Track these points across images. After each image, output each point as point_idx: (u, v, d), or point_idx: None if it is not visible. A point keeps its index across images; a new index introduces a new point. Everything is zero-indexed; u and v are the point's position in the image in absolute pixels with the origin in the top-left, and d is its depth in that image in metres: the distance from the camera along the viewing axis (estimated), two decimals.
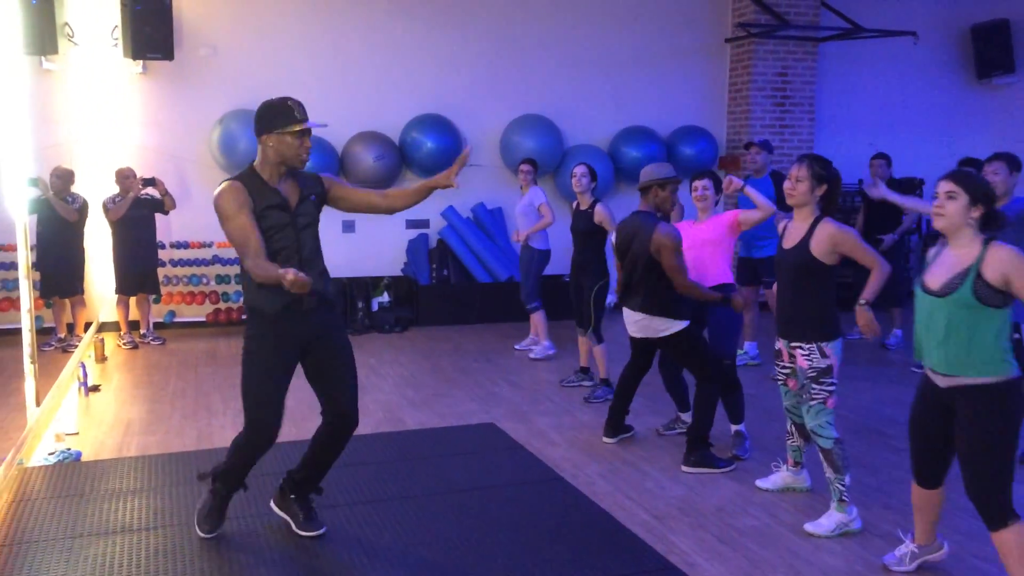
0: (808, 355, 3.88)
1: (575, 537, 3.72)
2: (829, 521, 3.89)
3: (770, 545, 3.78)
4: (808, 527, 3.91)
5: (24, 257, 4.71)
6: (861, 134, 10.27)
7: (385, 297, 8.86)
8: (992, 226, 3.05)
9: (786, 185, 3.95)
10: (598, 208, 6.13)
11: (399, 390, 6.40)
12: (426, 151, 8.73)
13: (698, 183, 5.09)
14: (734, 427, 4.99)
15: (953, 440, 3.13)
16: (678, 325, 4.71)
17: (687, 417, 5.24)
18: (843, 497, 3.89)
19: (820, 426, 3.91)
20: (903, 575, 3.49)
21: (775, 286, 4.24)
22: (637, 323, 4.83)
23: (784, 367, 4.06)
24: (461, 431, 5.25)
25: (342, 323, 3.72)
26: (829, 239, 3.81)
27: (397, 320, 8.71)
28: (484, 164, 9.25)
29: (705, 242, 4.95)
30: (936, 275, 3.12)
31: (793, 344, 3.95)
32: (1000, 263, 2.94)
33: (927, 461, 3.31)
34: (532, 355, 7.36)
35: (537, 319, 7.35)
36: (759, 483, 4.43)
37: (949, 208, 3.04)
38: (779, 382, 4.15)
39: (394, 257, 9.18)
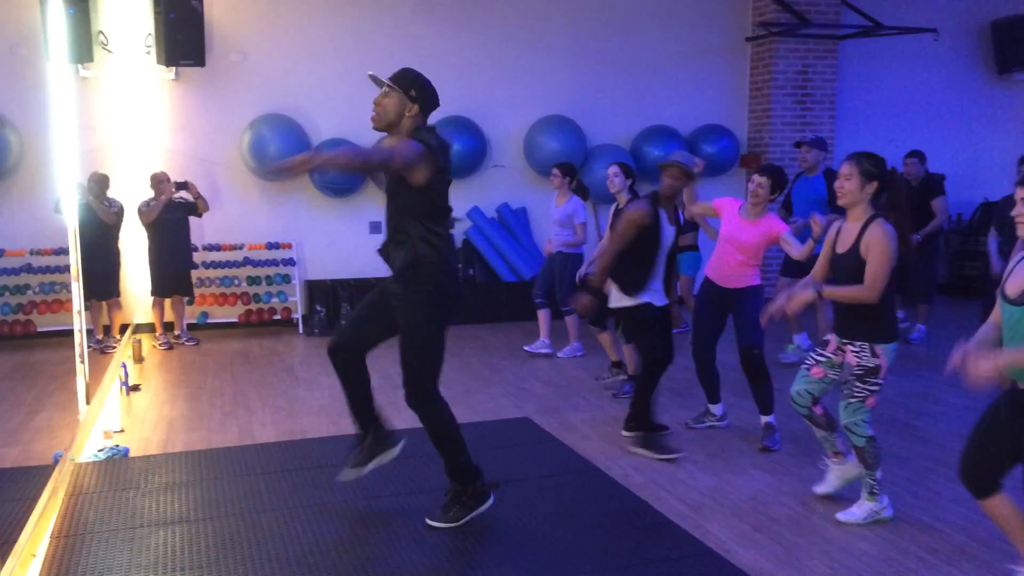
0: (859, 352, 3.86)
1: (614, 525, 3.84)
2: (861, 510, 3.97)
3: (804, 533, 3.87)
4: (840, 516, 3.98)
5: (75, 260, 4.87)
6: (882, 131, 10.32)
7: None
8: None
9: (836, 184, 3.89)
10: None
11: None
12: (452, 152, 8.82)
13: (754, 177, 5.10)
14: (764, 418, 5.09)
15: (1018, 457, 3.05)
16: (632, 301, 4.91)
17: (716, 409, 5.35)
18: (874, 490, 3.96)
19: (856, 423, 3.92)
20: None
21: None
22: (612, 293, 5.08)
23: (822, 355, 4.06)
24: (496, 425, 5.38)
25: (410, 301, 3.58)
26: (867, 242, 3.73)
27: None
28: (508, 165, 9.38)
29: (746, 245, 5.06)
30: (1015, 283, 3.01)
31: (845, 340, 3.95)
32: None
33: (980, 461, 3.17)
34: (560, 354, 7.47)
35: (570, 321, 7.43)
36: (817, 489, 4.29)
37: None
38: (804, 365, 4.14)
39: None
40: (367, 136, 8.71)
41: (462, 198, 8.84)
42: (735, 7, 9.99)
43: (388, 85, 3.56)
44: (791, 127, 9.79)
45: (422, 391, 3.65)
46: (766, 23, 9.61)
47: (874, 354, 3.83)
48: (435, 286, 3.57)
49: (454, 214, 4.08)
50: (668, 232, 4.98)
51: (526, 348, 7.56)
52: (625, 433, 5.02)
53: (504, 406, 5.98)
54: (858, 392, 3.90)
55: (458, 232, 9.32)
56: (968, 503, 4.10)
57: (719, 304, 5.16)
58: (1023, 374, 2.99)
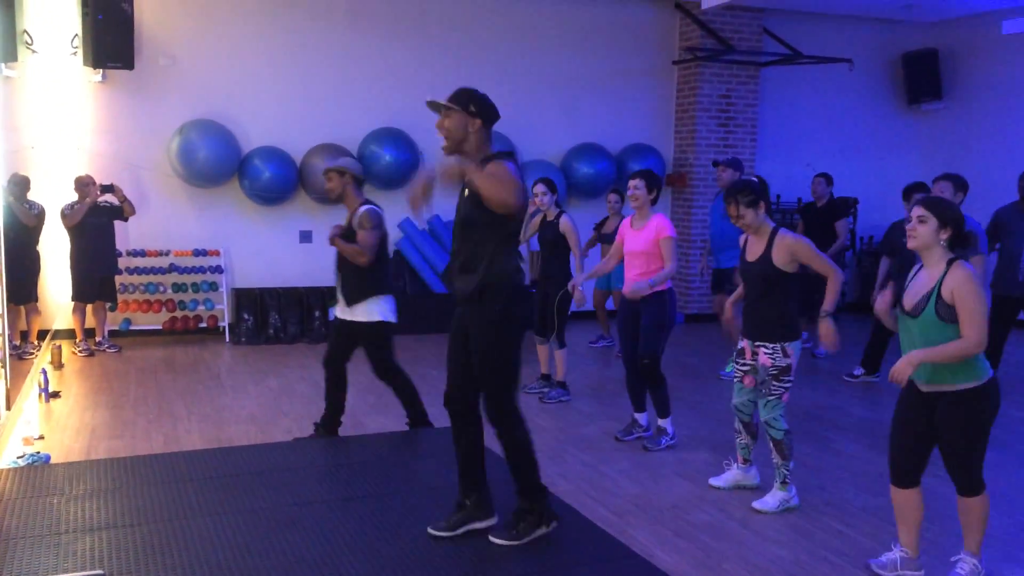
0: (772, 353, 4.27)
1: None
2: (774, 499, 4.36)
3: (722, 538, 4.05)
4: (756, 504, 4.36)
5: (0, 261, 4.78)
6: (800, 155, 10.77)
7: None
8: (962, 245, 3.38)
9: (732, 219, 4.37)
10: (563, 219, 6.36)
11: (360, 396, 6.54)
12: (384, 164, 8.91)
13: (630, 182, 5.32)
14: (659, 421, 5.35)
15: (932, 439, 3.46)
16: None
17: (642, 419, 5.51)
18: (786, 479, 4.35)
19: (774, 418, 4.31)
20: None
21: (731, 295, 4.61)
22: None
23: (744, 364, 4.43)
24: (423, 434, 5.43)
25: (482, 322, 3.61)
26: (788, 249, 4.22)
27: None
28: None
29: (637, 253, 5.26)
30: (910, 296, 3.43)
31: (758, 344, 4.33)
32: (953, 280, 3.27)
33: (907, 458, 3.53)
34: None
35: None
36: (712, 481, 4.72)
37: (920, 231, 3.37)
38: (735, 379, 4.51)
39: None
40: (296, 143, 8.74)
41: (394, 210, 8.87)
42: (663, 31, 10.31)
43: (446, 105, 3.63)
44: (715, 148, 10.13)
45: (500, 408, 3.67)
46: (692, 48, 9.94)
47: (785, 353, 4.26)
48: (504, 304, 3.60)
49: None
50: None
51: None
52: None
53: (433, 415, 6.02)
54: (775, 390, 4.30)
55: (390, 243, 9.34)
56: (876, 511, 4.37)
57: (632, 314, 5.32)
58: (923, 374, 3.40)
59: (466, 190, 3.62)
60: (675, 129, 10.48)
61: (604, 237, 8.07)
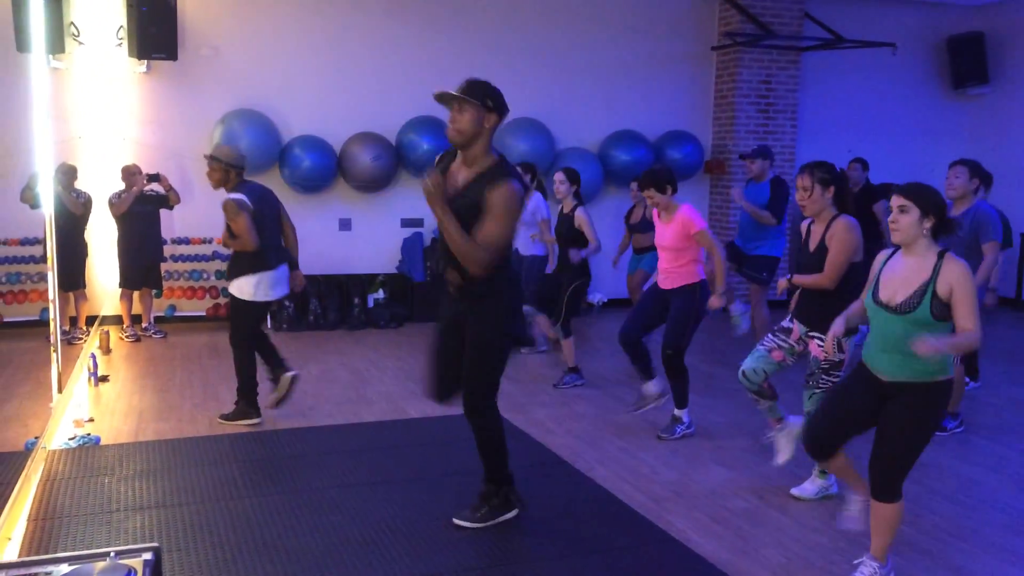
0: (824, 345, 4.08)
1: (581, 514, 4.00)
2: (813, 487, 4.33)
3: (760, 524, 4.06)
4: (794, 491, 4.34)
5: (52, 250, 4.91)
6: (840, 141, 10.63)
7: (380, 294, 9.09)
8: (945, 233, 3.20)
9: (797, 196, 4.21)
10: (578, 212, 6.38)
11: (399, 382, 6.63)
12: (423, 152, 8.96)
13: (643, 193, 5.25)
14: (676, 410, 5.30)
15: (867, 423, 3.35)
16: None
17: (652, 386, 5.46)
18: (825, 469, 4.24)
19: None
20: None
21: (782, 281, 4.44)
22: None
23: (785, 342, 4.28)
24: (463, 419, 5.48)
25: (487, 316, 3.60)
26: (834, 235, 4.06)
27: (392, 316, 8.95)
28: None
29: (666, 247, 5.21)
30: (892, 289, 3.22)
31: (812, 333, 4.16)
32: (950, 275, 3.09)
33: (832, 432, 3.46)
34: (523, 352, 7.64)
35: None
36: (777, 461, 4.59)
37: (902, 221, 3.17)
38: (764, 346, 4.36)
39: (389, 255, 9.41)
40: (335, 131, 8.83)
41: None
42: (702, 17, 10.22)
43: (463, 98, 3.43)
44: (754, 135, 10.05)
45: (482, 404, 3.68)
46: (731, 33, 9.85)
47: (840, 348, 4.03)
48: (507, 300, 3.61)
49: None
50: None
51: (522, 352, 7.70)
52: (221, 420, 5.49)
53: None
54: (823, 383, 4.18)
55: (427, 231, 9.43)
56: (916, 497, 4.34)
57: (659, 300, 5.28)
58: (888, 366, 3.25)
59: (458, 182, 3.53)
60: (714, 115, 10.40)
61: (632, 227, 8.06)
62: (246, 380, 5.49)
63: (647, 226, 7.90)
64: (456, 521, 3.81)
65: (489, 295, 3.57)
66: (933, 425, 3.24)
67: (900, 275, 3.22)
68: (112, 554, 1.77)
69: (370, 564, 3.45)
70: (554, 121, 9.62)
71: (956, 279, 3.09)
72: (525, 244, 7.41)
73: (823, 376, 4.19)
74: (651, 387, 5.50)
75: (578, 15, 9.74)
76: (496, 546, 3.65)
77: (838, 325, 3.53)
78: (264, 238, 5.25)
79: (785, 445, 4.58)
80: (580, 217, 6.36)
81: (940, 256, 3.14)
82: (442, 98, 3.48)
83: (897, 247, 3.31)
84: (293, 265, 5.54)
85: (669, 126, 10.08)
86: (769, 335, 4.27)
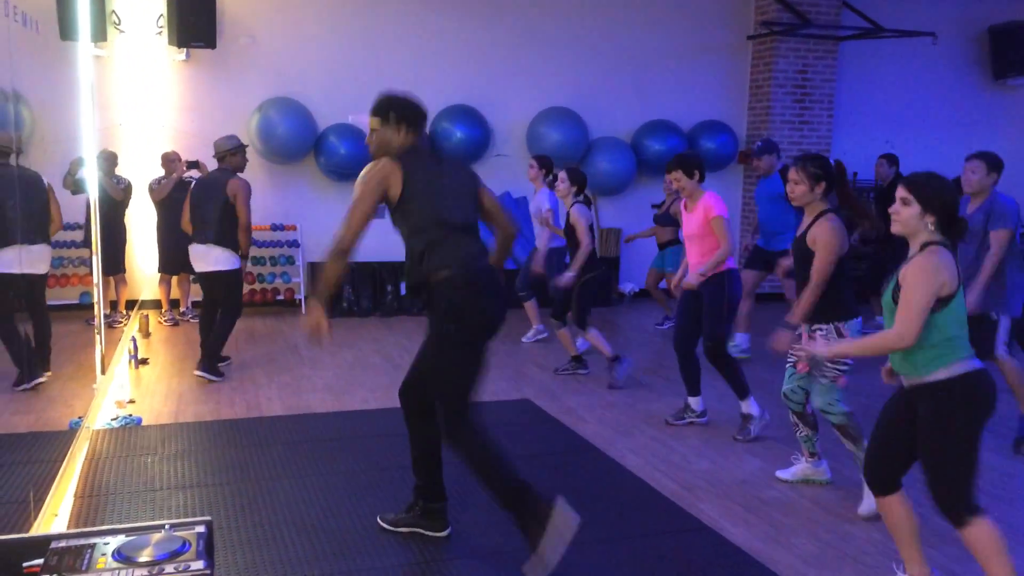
0: (826, 335, 4.06)
1: (613, 500, 4.03)
2: (797, 468, 4.39)
3: (792, 514, 4.06)
4: (779, 473, 4.43)
5: (96, 234, 5.02)
6: (878, 132, 10.51)
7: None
8: (952, 234, 3.02)
9: (787, 188, 4.18)
10: (572, 209, 6.32)
11: None
12: (455, 140, 9.01)
13: (670, 175, 5.19)
14: (742, 406, 5.16)
15: (912, 441, 3.10)
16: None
17: (696, 403, 5.37)
18: (856, 460, 4.11)
19: (829, 403, 4.10)
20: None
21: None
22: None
23: (800, 351, 4.21)
24: (498, 406, 5.55)
25: (430, 325, 3.40)
26: (814, 234, 4.03)
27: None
28: (510, 155, 9.53)
29: (692, 236, 5.20)
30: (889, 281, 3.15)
31: (813, 327, 4.12)
32: (909, 266, 2.97)
33: (881, 459, 3.24)
34: (524, 339, 7.72)
35: (530, 306, 7.74)
36: (779, 474, 4.51)
37: (903, 213, 3.03)
38: (788, 363, 4.30)
39: None
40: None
41: None
42: (738, 5, 10.15)
43: (372, 120, 3.45)
44: (790, 125, 9.97)
45: (446, 422, 3.30)
46: (768, 22, 9.77)
47: (839, 334, 4.02)
48: (450, 303, 3.29)
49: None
50: None
51: (523, 339, 7.73)
52: (197, 373, 6.16)
53: (504, 389, 6.15)
54: (828, 373, 4.09)
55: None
56: None
57: (693, 297, 5.21)
58: (895, 362, 3.11)
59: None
60: (749, 105, 10.33)
61: (657, 218, 8.04)
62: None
63: (668, 219, 7.88)
64: (380, 521, 3.66)
65: (431, 300, 3.35)
66: (960, 427, 2.97)
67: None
68: (167, 526, 1.83)
69: (407, 546, 3.51)
70: (587, 110, 9.61)
71: (909, 271, 2.95)
72: (543, 239, 7.44)
73: (826, 365, 4.09)
74: (696, 403, 5.41)
75: (613, 3, 9.72)
76: None
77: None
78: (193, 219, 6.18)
79: (798, 473, 4.46)
80: (573, 214, 6.28)
81: (921, 249, 2.99)
82: (354, 123, 3.54)
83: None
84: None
85: (703, 116, 10.03)
86: (827, 365, 4.11)
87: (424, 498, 3.59)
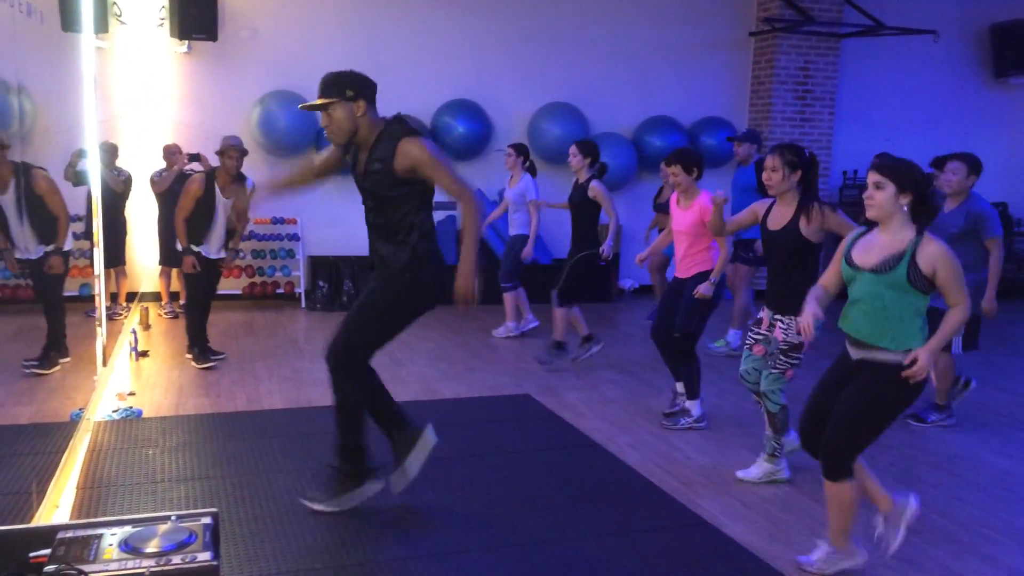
0: (786, 328, 4.18)
1: (614, 496, 4.05)
2: (758, 470, 4.41)
3: (792, 511, 4.08)
4: (740, 474, 4.43)
5: (98, 227, 5.02)
6: (879, 129, 10.52)
7: None
8: (926, 216, 3.13)
9: (763, 176, 4.23)
10: (593, 184, 6.36)
11: (432, 363, 6.70)
12: (457, 135, 9.01)
13: (670, 169, 5.24)
14: (687, 402, 5.25)
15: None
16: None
17: (694, 409, 5.33)
18: (775, 452, 4.36)
19: (772, 391, 4.28)
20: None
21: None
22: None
23: (758, 333, 4.35)
24: (498, 400, 5.57)
25: (385, 283, 3.62)
26: (822, 222, 4.07)
27: None
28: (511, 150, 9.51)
29: (683, 233, 5.21)
30: (868, 254, 3.20)
31: (776, 316, 4.24)
32: (932, 256, 3.07)
33: (815, 422, 3.37)
34: (496, 333, 7.73)
35: (509, 299, 7.70)
36: (738, 473, 4.47)
37: (878, 197, 3.13)
38: (746, 345, 4.44)
39: None
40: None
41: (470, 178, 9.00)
42: (740, 2, 10.14)
43: (323, 103, 3.47)
44: (791, 122, 9.97)
45: (350, 360, 3.57)
46: (770, 19, 9.77)
47: (798, 331, 4.01)
48: (419, 278, 3.57)
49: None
50: (221, 201, 6.24)
51: (495, 333, 7.76)
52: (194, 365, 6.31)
53: (503, 383, 6.16)
54: (780, 365, 4.24)
55: (459, 214, 9.44)
56: (949, 487, 4.34)
57: (677, 290, 5.26)
58: (861, 329, 3.22)
59: (369, 159, 3.52)
60: (750, 102, 10.33)
61: (659, 207, 8.06)
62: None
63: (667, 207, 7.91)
64: (305, 502, 3.72)
65: (402, 269, 3.55)
66: (884, 409, 3.20)
67: (876, 246, 3.19)
68: (173, 517, 1.84)
69: (400, 539, 3.53)
70: (589, 106, 9.61)
71: (939, 257, 3.07)
72: (512, 223, 7.47)
73: (780, 357, 4.23)
74: (680, 387, 5.47)
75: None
76: (528, 525, 3.70)
77: (813, 307, 3.34)
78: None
79: (758, 473, 4.46)
80: (595, 189, 6.33)
81: (919, 232, 3.10)
82: (307, 109, 3.59)
83: (869, 226, 3.27)
84: None
85: (704, 112, 10.04)
86: (781, 357, 4.24)
87: (360, 461, 3.72)
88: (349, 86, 3.48)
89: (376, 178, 3.51)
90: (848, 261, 3.28)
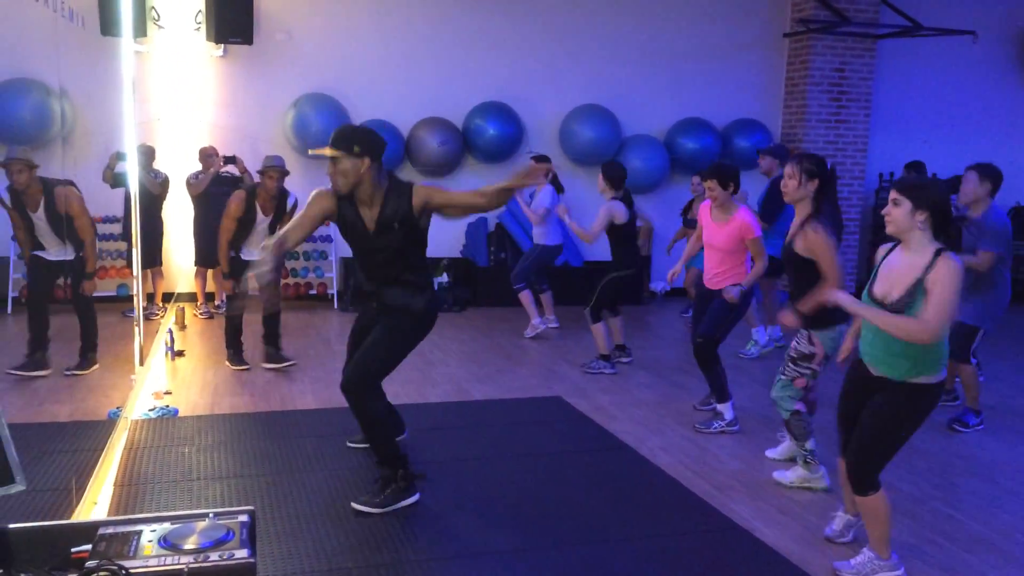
0: (799, 339, 4.20)
1: (644, 498, 4.03)
2: (793, 474, 4.36)
3: (826, 516, 4.01)
4: (776, 475, 4.41)
5: (135, 228, 5.10)
6: (916, 131, 10.39)
7: (444, 278, 9.19)
8: (946, 233, 3.14)
9: (781, 184, 4.22)
10: (604, 206, 6.42)
11: (463, 365, 6.72)
12: (488, 137, 9.03)
13: (705, 182, 5.21)
14: (718, 405, 5.28)
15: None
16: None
17: (727, 412, 5.31)
18: (807, 459, 4.31)
19: (782, 399, 4.27)
20: (844, 545, 3.68)
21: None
22: None
23: (807, 368, 4.25)
24: (529, 403, 5.57)
25: (396, 323, 3.83)
26: (805, 241, 4.03)
27: (456, 300, 9.04)
28: (543, 152, 9.52)
29: (718, 247, 5.18)
30: (888, 286, 3.21)
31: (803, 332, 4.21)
32: (937, 271, 3.05)
33: (842, 430, 3.50)
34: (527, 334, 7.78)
35: (523, 299, 7.73)
36: (768, 453, 4.72)
37: (895, 213, 3.17)
38: (787, 377, 4.32)
39: (453, 239, 9.51)
40: (403, 116, 8.95)
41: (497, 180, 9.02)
42: (774, 3, 10.06)
43: (331, 152, 3.61)
44: (825, 124, 9.87)
45: (367, 387, 3.75)
46: (804, 19, 9.68)
47: (810, 341, 4.14)
48: (425, 310, 3.83)
49: None
50: (261, 220, 6.28)
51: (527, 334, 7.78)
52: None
53: (534, 385, 6.16)
54: (789, 372, 4.23)
55: (491, 216, 9.48)
56: (990, 495, 4.28)
57: (706, 300, 5.25)
58: (885, 367, 3.25)
59: (383, 217, 3.70)
60: (784, 104, 10.25)
61: (689, 223, 8.01)
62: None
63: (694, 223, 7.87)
64: (356, 506, 3.78)
65: (411, 305, 3.81)
66: (907, 423, 3.27)
67: (896, 271, 3.21)
68: (211, 515, 1.87)
69: (431, 539, 3.54)
70: (620, 108, 9.59)
71: (941, 275, 3.05)
72: (539, 233, 7.49)
73: (790, 364, 4.22)
74: (722, 407, 5.45)
75: (646, 1, 9.68)
76: (559, 527, 3.70)
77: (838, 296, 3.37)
78: None
79: (783, 452, 4.64)
80: (600, 211, 6.38)
81: (936, 254, 3.11)
82: (317, 155, 3.72)
83: (897, 241, 3.28)
84: None
85: (738, 114, 9.97)
86: (790, 365, 4.22)
87: (401, 467, 3.83)
88: (357, 143, 3.61)
89: (400, 233, 3.70)
90: (870, 291, 3.30)
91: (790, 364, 4.24)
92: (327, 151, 3.60)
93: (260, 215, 6.25)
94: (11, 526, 1.87)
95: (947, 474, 4.61)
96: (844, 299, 3.22)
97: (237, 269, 6.30)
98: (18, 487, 1.85)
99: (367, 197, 3.68)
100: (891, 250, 3.30)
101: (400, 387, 6.02)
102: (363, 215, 3.72)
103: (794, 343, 4.23)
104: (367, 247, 3.78)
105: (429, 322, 3.89)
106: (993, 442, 5.17)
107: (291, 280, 9.00)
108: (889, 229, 3.23)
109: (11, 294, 8.10)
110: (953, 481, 4.52)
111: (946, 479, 4.54)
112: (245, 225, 6.27)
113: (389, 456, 3.82)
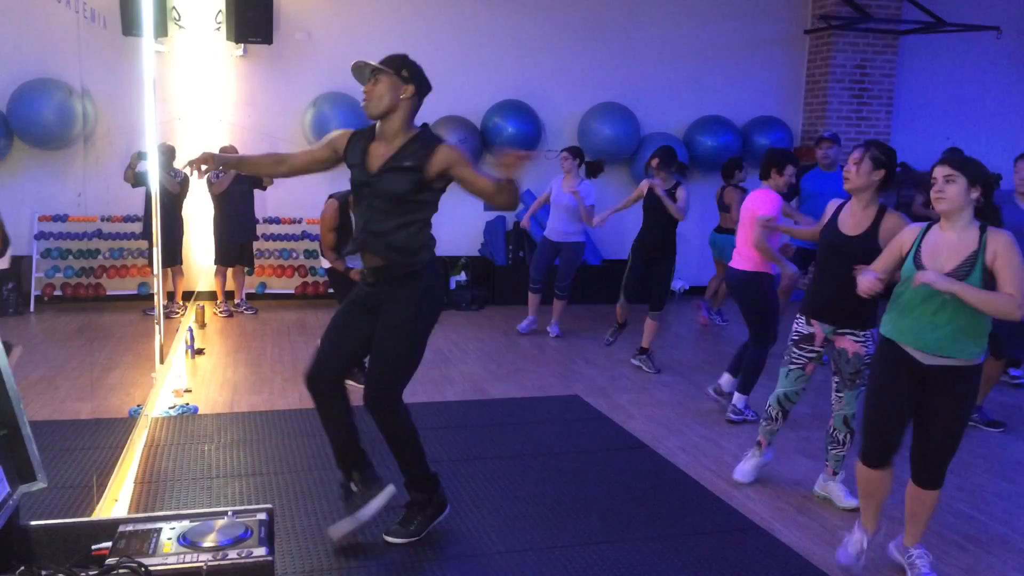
0: (864, 342, 3.90)
1: (663, 498, 4.01)
2: (834, 490, 4.20)
3: (846, 517, 4.00)
4: (816, 488, 4.29)
5: (156, 227, 5.13)
6: (938, 128, 10.28)
7: (463, 276, 9.20)
8: (987, 214, 3.10)
9: (844, 170, 3.88)
10: (678, 191, 6.41)
11: (481, 363, 6.72)
12: (507, 136, 9.02)
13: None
14: (736, 395, 5.36)
15: (910, 411, 3.26)
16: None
17: (725, 383, 5.61)
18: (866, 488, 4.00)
19: (854, 414, 4.03)
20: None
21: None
22: None
23: (812, 351, 4.06)
24: (548, 401, 5.56)
25: (407, 299, 3.34)
26: (893, 229, 3.67)
27: (474, 298, 9.05)
28: (561, 150, 9.50)
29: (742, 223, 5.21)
30: (937, 258, 3.13)
31: (842, 330, 3.94)
32: (995, 243, 3.02)
33: (887, 433, 3.30)
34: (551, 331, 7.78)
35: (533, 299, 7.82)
36: (737, 476, 4.40)
37: (949, 191, 3.07)
38: (794, 365, 4.13)
39: (472, 238, 9.51)
40: (421, 115, 8.94)
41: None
42: None
43: (377, 67, 3.29)
44: (847, 121, 9.79)
45: (388, 395, 3.34)
46: (826, 16, 9.61)
47: (808, 322, 4.02)
48: (428, 285, 3.36)
49: None
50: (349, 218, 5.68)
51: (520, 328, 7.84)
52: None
53: (552, 384, 6.15)
54: (863, 382, 3.91)
55: (509, 215, 9.48)
56: (1010, 496, 4.22)
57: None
58: (931, 344, 3.17)
59: (395, 156, 3.29)
60: (804, 101, 10.17)
61: (724, 207, 7.97)
62: None
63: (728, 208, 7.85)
64: (388, 539, 3.48)
65: (410, 278, 3.34)
66: (971, 410, 3.27)
67: (943, 247, 3.13)
68: (230, 513, 1.87)
69: (449, 538, 3.54)
70: (640, 106, 9.55)
71: (1000, 246, 3.02)
72: (559, 232, 7.45)
73: (795, 350, 4.08)
74: (726, 384, 5.59)
75: None
76: (577, 526, 3.69)
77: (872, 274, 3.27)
78: None
79: (751, 469, 4.40)
80: (678, 194, 6.44)
81: (983, 229, 3.08)
82: (357, 69, 3.33)
83: (930, 223, 3.24)
84: None
85: (758, 111, 9.91)
86: (794, 351, 4.07)
87: (360, 467, 3.48)
88: (407, 68, 3.36)
89: (399, 176, 3.27)
90: (917, 263, 3.17)
91: (794, 349, 4.09)
92: (375, 63, 3.28)
93: (354, 219, 6.04)
94: (32, 523, 1.89)
95: (969, 474, 4.57)
96: (931, 277, 3.02)
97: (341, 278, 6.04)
98: (39, 484, 1.86)
99: (391, 132, 3.32)
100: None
101: (418, 385, 6.03)
102: (373, 152, 3.35)
103: (857, 348, 3.92)
104: (368, 192, 3.35)
105: (438, 297, 3.45)
106: (1017, 443, 5.11)
107: (310, 279, 9.03)
108: (941, 207, 3.11)
109: (34, 292, 8.20)
110: (977, 482, 4.47)
111: (967, 479, 4.49)
112: (343, 233, 5.95)
113: (420, 477, 3.47)
